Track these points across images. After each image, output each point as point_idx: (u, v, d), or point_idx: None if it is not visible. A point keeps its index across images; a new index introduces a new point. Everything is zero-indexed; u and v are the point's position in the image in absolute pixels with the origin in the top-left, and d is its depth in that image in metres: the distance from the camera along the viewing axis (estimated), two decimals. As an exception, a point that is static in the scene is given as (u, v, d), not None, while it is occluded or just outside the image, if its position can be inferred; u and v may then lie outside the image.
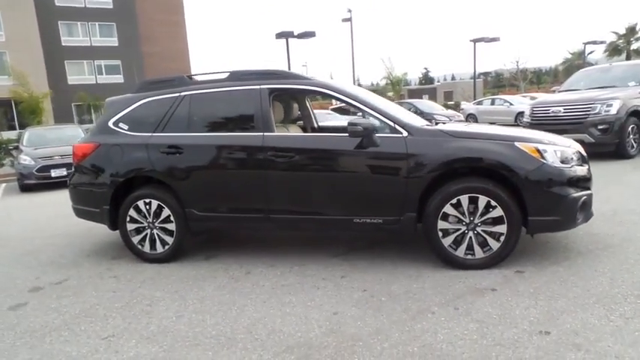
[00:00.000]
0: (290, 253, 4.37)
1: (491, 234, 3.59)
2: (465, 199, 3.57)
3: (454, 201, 3.60)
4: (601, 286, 3.18)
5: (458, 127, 4.23)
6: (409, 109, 16.82)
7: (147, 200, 4.30)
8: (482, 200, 3.55)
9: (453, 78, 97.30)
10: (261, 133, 4.01)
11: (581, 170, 3.65)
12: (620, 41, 35.64)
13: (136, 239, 4.41)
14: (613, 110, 8.24)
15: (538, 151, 3.54)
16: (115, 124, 4.50)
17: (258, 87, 4.13)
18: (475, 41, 25.32)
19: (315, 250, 4.41)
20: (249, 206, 4.12)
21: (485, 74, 30.98)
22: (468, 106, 22.92)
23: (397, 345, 2.62)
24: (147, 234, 4.37)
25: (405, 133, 3.73)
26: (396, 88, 36.60)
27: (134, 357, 2.72)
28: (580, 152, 3.79)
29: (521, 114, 17.44)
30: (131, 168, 4.35)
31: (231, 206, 4.17)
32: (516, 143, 3.58)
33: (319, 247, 4.51)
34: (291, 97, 5.00)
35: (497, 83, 60.77)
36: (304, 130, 5.15)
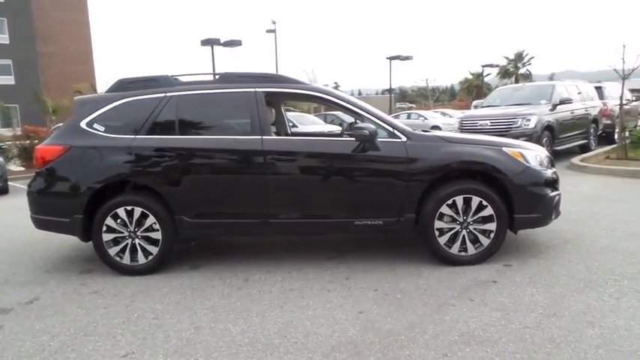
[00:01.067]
0: (281, 258, 4.32)
1: (482, 231, 3.91)
2: (459, 199, 3.86)
3: (450, 202, 3.86)
4: (581, 273, 3.63)
5: (450, 134, 4.53)
6: (331, 121, 17.40)
7: (128, 208, 3.98)
8: (475, 201, 3.86)
9: (360, 93, 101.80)
10: (260, 137, 3.95)
11: (552, 173, 4.13)
12: (510, 65, 40.36)
13: (113, 250, 4.05)
14: (531, 124, 9.33)
15: (522, 155, 3.95)
16: (89, 125, 4.12)
17: (253, 90, 4.07)
18: (391, 59, 26.89)
19: (305, 254, 4.40)
20: (246, 211, 4.01)
21: (390, 91, 33.18)
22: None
23: (437, 335, 2.76)
24: (127, 244, 4.04)
25: (404, 138, 3.93)
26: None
27: (170, 372, 2.53)
28: (549, 157, 4.29)
29: (435, 127, 18.83)
30: (112, 173, 4.01)
31: (227, 212, 4.03)
32: (504, 148, 3.96)
33: (307, 250, 4.51)
34: (269, 102, 4.97)
35: (401, 99, 65.06)
36: (278, 135, 5.13)
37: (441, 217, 3.89)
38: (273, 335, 2.88)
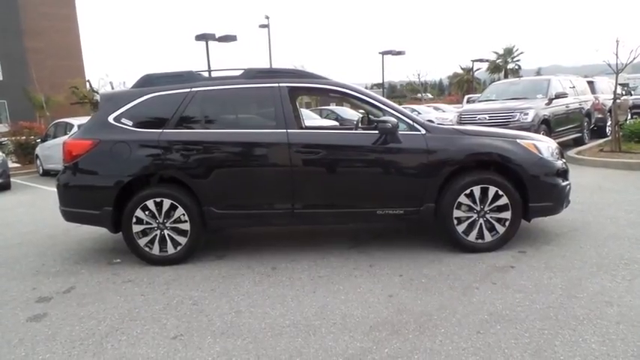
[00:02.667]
0: (303, 247, 4.48)
1: (498, 220, 4.11)
2: (477, 189, 4.05)
3: (468, 191, 4.05)
4: (593, 258, 3.85)
5: (465, 127, 4.71)
6: (326, 116, 17.52)
7: (157, 199, 4.11)
8: (492, 190, 4.05)
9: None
10: (285, 130, 4.09)
11: (562, 163, 4.34)
12: (499, 60, 40.88)
13: (142, 241, 4.17)
14: (529, 118, 9.58)
15: (535, 146, 4.16)
16: (117, 119, 4.22)
17: (277, 85, 4.20)
18: (383, 53, 27.06)
19: (325, 243, 4.56)
20: (273, 202, 4.16)
21: (379, 85, 33.46)
22: None
23: (468, 315, 2.95)
24: (156, 235, 4.17)
25: (423, 131, 4.10)
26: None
27: (221, 352, 2.68)
28: (559, 148, 4.50)
29: (429, 121, 18.91)
30: (142, 166, 4.12)
31: (254, 203, 4.17)
32: (518, 140, 4.16)
33: (327, 240, 4.67)
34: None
35: (391, 94, 65.50)
36: None
37: (459, 206, 4.08)
38: (311, 317, 3.05)
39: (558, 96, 10.39)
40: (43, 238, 5.44)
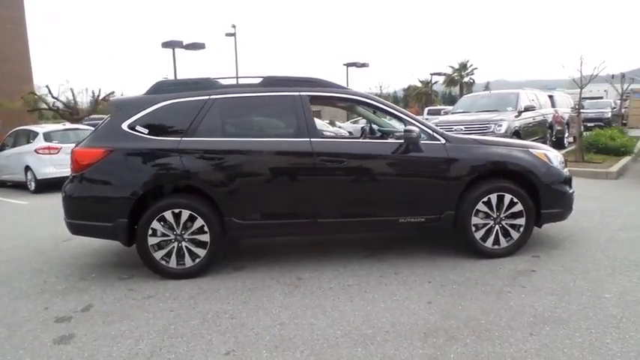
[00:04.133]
0: (320, 257, 4.44)
1: (513, 226, 4.27)
2: (494, 197, 4.20)
3: (485, 199, 4.19)
4: (604, 260, 4.08)
5: (481, 137, 4.86)
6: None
7: (176, 210, 3.95)
8: (507, 198, 4.21)
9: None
10: (308, 139, 4.08)
11: (567, 171, 4.59)
12: (455, 74, 42.67)
13: (158, 254, 3.99)
14: (503, 129, 10.05)
15: (546, 156, 4.38)
16: (131, 127, 4.04)
17: (297, 94, 4.18)
18: (348, 65, 27.53)
19: (340, 253, 4.55)
20: (296, 212, 4.11)
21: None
22: (347, 126, 24.44)
23: (514, 318, 3.04)
24: (173, 247, 4.00)
25: (443, 140, 4.21)
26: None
27: (283, 365, 2.61)
28: (564, 157, 4.75)
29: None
30: (160, 175, 3.96)
31: (277, 212, 4.10)
32: (531, 149, 4.36)
33: (339, 250, 4.65)
34: None
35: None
36: None
37: (477, 213, 4.21)
38: (361, 327, 3.03)
39: (527, 109, 10.99)
40: (32, 254, 5.07)
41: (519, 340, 2.76)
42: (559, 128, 13.62)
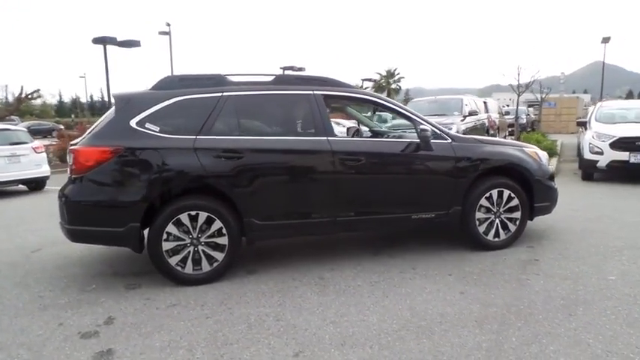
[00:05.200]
0: (330, 257, 4.44)
1: (510, 219, 4.59)
2: (495, 192, 4.49)
3: (487, 195, 4.47)
4: (591, 247, 4.54)
5: (479, 136, 5.11)
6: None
7: (192, 212, 3.75)
8: (506, 193, 4.53)
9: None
10: (325, 138, 4.07)
11: (551, 168, 5.03)
12: (382, 81, 44.41)
13: (173, 260, 3.75)
14: (452, 133, 10.66)
15: (536, 154, 4.76)
16: (140, 124, 3.76)
17: (311, 92, 4.17)
18: (284, 69, 27.46)
19: (348, 252, 4.59)
20: (315, 211, 4.08)
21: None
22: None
23: (547, 303, 3.29)
24: (189, 252, 3.79)
25: (449, 140, 4.43)
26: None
27: (358, 361, 2.60)
28: (546, 155, 5.20)
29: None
30: (176, 175, 3.73)
31: (297, 212, 4.04)
32: (524, 148, 4.73)
33: (344, 249, 4.68)
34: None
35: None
36: None
37: (479, 208, 4.48)
38: (413, 319, 3.09)
39: (471, 113, 11.77)
40: (4, 267, 4.50)
41: (563, 320, 3.00)
42: (492, 132, 14.75)
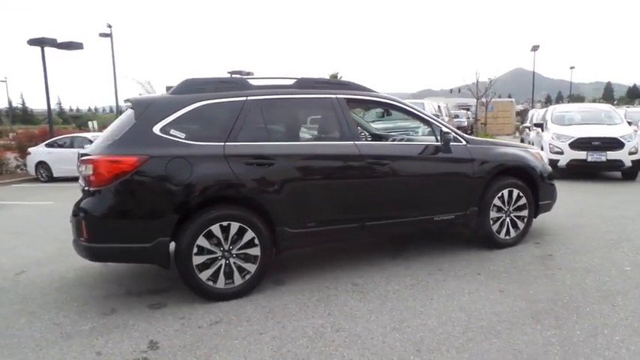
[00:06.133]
0: (347, 264, 4.38)
1: (519, 217, 4.79)
2: (506, 192, 4.66)
3: (500, 194, 4.63)
4: (591, 242, 4.84)
5: (490, 139, 5.24)
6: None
7: (224, 223, 3.54)
8: (515, 192, 4.72)
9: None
10: (353, 142, 4.03)
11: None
12: (327, 86, 44.72)
13: (204, 275, 3.52)
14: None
15: (539, 154, 5.01)
16: (164, 131, 3.50)
17: (334, 96, 4.11)
18: (232, 73, 27.02)
19: (364, 257, 4.55)
20: (346, 217, 4.00)
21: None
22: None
23: (586, 295, 3.45)
24: (220, 265, 3.57)
25: (464, 142, 4.54)
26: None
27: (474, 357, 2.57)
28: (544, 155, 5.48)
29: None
30: (208, 185, 3.50)
31: (328, 219, 3.94)
32: (529, 149, 4.95)
33: (358, 256, 4.64)
34: None
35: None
36: None
37: (492, 208, 4.63)
38: (471, 320, 3.11)
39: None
40: (22, 283, 4.00)
41: (612, 310, 3.16)
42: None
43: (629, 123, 10.06)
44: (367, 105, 4.91)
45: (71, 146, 13.83)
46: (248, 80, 3.98)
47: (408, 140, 5.16)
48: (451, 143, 4.42)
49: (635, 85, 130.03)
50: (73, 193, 4.07)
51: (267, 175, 3.68)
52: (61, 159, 13.59)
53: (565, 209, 6.41)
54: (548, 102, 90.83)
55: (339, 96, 4.13)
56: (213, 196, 3.55)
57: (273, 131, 3.92)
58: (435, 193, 4.37)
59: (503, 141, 5.32)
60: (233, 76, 27.52)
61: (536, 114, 16.86)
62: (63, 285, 4.12)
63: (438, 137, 4.40)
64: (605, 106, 11.75)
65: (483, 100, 23.42)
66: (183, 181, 3.44)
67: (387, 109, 5.13)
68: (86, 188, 3.43)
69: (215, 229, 3.51)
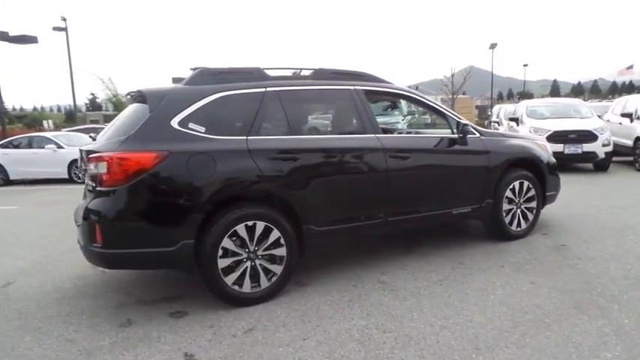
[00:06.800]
0: (364, 261, 4.26)
1: (529, 209, 4.82)
2: (517, 184, 4.67)
3: (511, 186, 4.64)
4: (594, 231, 4.93)
5: (499, 131, 5.22)
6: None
7: (249, 223, 3.31)
8: (525, 184, 4.74)
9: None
10: (374, 135, 3.89)
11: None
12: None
13: (230, 279, 3.28)
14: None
15: (545, 146, 5.05)
16: (183, 124, 3.23)
17: (352, 87, 3.95)
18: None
19: (378, 253, 4.44)
20: (370, 212, 3.86)
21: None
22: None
23: (615, 283, 3.48)
24: (246, 268, 3.34)
25: (478, 134, 4.50)
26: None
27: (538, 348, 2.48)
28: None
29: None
30: (233, 182, 3.26)
31: (353, 215, 3.78)
32: (536, 142, 4.98)
33: (373, 250, 4.54)
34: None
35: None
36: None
37: (505, 199, 4.62)
38: (515, 314, 3.05)
39: (410, 113, 12.28)
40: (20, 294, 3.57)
41: (646, 297, 3.20)
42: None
43: (599, 116, 10.50)
44: (384, 97, 4.78)
45: (29, 146, 12.95)
46: (265, 70, 3.74)
47: (416, 134, 5.09)
48: (468, 136, 4.37)
49: (579, 83, 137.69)
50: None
51: (292, 171, 3.47)
52: (18, 160, 12.70)
53: (556, 201, 6.55)
54: (500, 99, 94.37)
55: (357, 87, 3.97)
56: (239, 195, 3.31)
57: (295, 124, 3.71)
58: (454, 185, 4.31)
59: (511, 133, 5.35)
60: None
61: (503, 109, 17.38)
62: (62, 296, 3.75)
63: (454, 130, 4.34)
64: (575, 101, 12.22)
65: (442, 96, 24.02)
66: (207, 179, 3.18)
67: (405, 101, 5.02)
68: (98, 188, 3.09)
69: (240, 229, 3.27)
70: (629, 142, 10.10)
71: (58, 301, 3.64)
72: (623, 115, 10.63)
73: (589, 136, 9.30)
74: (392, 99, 5.33)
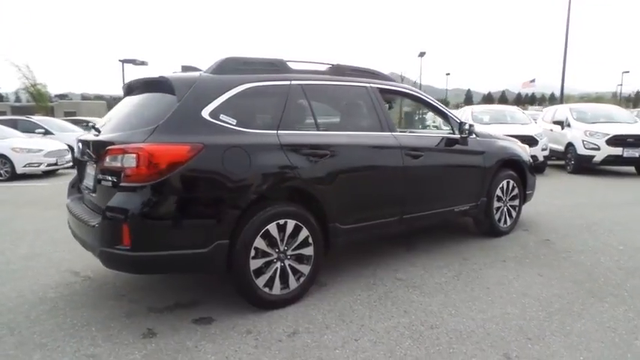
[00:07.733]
0: (376, 258, 4.27)
1: (512, 207, 5.11)
2: (505, 183, 4.94)
3: (501, 185, 4.89)
4: (575, 226, 5.34)
5: (489, 132, 5.35)
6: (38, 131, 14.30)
7: (280, 221, 3.15)
8: (510, 183, 5.02)
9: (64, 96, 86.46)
10: (391, 133, 3.90)
11: (529, 160, 5.73)
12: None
13: (261, 281, 3.10)
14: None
15: (525, 148, 5.38)
16: (214, 115, 2.99)
17: (368, 85, 3.94)
18: (124, 62, 24.60)
19: (381, 252, 4.46)
20: (388, 210, 3.84)
21: (115, 99, 31.88)
22: None
23: (614, 273, 3.79)
24: (276, 269, 3.18)
25: (474, 135, 4.68)
26: (44, 103, 31.88)
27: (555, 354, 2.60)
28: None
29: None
30: (267, 178, 3.06)
31: (374, 213, 3.74)
32: (518, 143, 5.29)
33: (377, 247, 4.56)
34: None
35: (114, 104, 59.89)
36: None
37: (495, 198, 4.86)
38: (543, 305, 3.20)
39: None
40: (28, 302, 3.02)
41: (651, 284, 3.52)
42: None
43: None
44: (395, 96, 4.76)
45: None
46: (287, 62, 3.59)
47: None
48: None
49: (489, 93, 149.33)
50: None
51: (323, 167, 3.36)
52: None
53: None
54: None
55: (372, 85, 3.96)
56: (272, 192, 3.13)
57: (320, 119, 3.60)
58: (457, 184, 4.45)
59: (498, 135, 5.63)
60: (124, 64, 25.12)
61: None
62: (53, 307, 3.29)
63: (456, 130, 4.48)
64: (512, 108, 13.20)
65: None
66: (242, 175, 2.97)
67: (413, 101, 5.05)
68: (122, 184, 2.76)
69: (272, 228, 3.10)
70: (561, 148, 11.11)
71: (50, 313, 3.19)
72: (555, 122, 11.68)
73: (530, 141, 10.05)
74: (401, 98, 5.39)
